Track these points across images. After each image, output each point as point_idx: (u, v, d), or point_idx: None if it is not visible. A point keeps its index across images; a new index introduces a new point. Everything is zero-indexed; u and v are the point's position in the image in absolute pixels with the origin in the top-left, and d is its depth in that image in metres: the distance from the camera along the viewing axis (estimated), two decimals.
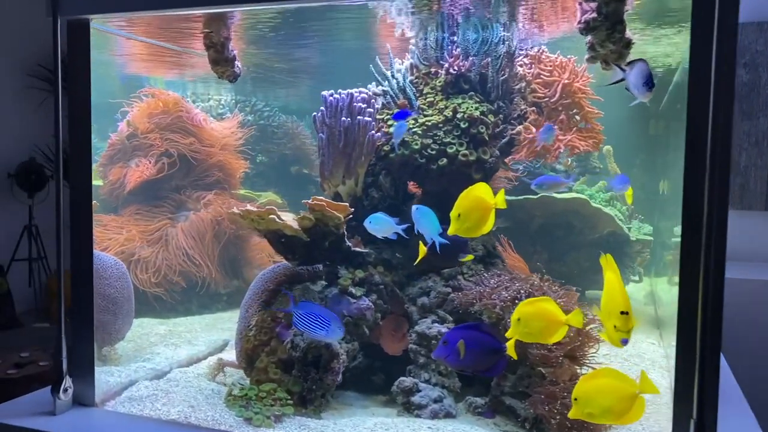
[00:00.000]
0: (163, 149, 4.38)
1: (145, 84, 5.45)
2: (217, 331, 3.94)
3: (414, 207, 2.54)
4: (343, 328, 2.37)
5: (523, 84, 2.74)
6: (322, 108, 2.78)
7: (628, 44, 2.20)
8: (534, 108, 2.77)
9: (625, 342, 1.76)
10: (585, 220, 4.75)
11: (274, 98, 6.64)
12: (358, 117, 2.69)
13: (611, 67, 2.20)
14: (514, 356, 2.16)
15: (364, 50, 3.40)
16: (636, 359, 3.26)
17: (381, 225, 2.51)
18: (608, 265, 1.83)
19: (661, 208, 5.62)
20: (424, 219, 2.48)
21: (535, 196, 4.39)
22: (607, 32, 2.13)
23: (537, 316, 2.04)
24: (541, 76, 2.75)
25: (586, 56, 2.22)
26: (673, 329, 1.85)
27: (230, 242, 4.61)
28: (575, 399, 1.84)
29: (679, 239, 1.74)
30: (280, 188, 6.31)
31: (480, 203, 2.06)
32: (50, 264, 5.68)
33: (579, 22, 2.14)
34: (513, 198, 4.44)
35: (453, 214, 2.07)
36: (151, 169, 4.30)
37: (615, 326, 1.74)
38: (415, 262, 2.34)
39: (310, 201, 2.54)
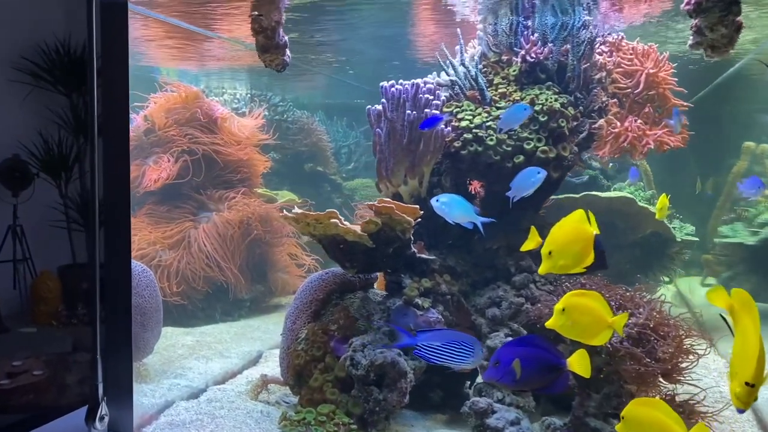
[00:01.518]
0: (185, 146, 4.08)
1: (157, 75, 5.15)
2: (248, 340, 3.67)
3: (434, 199, 2.27)
4: (481, 348, 2.04)
5: (603, 73, 2.49)
6: (383, 100, 2.51)
7: (739, 28, 1.96)
8: (615, 100, 2.52)
9: (741, 411, 1.50)
10: (628, 220, 4.51)
11: (291, 91, 6.37)
12: (425, 110, 2.42)
13: (720, 53, 1.96)
14: (583, 372, 1.88)
15: (410, 37, 3.14)
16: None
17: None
18: (744, 308, 1.44)
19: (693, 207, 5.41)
20: (454, 206, 2.22)
21: (577, 195, 4.16)
22: (720, 14, 1.89)
23: (583, 310, 1.82)
24: (622, 65, 2.50)
25: (690, 42, 1.97)
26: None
27: (254, 245, 4.33)
28: (623, 417, 1.66)
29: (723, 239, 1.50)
30: (293, 186, 6.04)
31: (577, 234, 1.80)
32: (36, 266, 5.35)
33: (687, 3, 1.89)
34: (555, 197, 4.20)
35: (543, 251, 1.81)
36: (173, 168, 4.00)
37: (736, 393, 1.47)
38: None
39: (376, 203, 2.28)
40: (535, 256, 2.64)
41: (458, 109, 2.48)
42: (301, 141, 6.32)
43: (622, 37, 2.57)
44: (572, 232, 1.83)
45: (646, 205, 4.40)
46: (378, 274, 2.72)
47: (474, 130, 2.40)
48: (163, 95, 4.29)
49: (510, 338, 2.47)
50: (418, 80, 2.49)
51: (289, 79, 5.83)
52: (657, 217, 2.36)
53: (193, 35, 4.11)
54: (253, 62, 5.33)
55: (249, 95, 5.75)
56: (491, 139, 2.38)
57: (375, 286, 2.94)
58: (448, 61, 2.57)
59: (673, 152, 5.21)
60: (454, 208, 2.21)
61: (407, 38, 4.23)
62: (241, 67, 5.48)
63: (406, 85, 2.48)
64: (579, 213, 1.85)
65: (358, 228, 2.30)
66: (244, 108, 5.49)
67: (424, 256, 2.49)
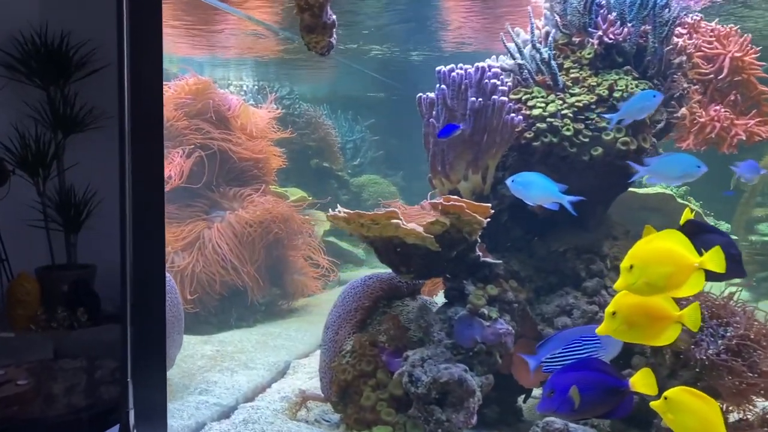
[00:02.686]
0: (198, 141, 3.79)
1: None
2: (271, 349, 3.40)
3: (509, 180, 2.03)
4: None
5: (683, 58, 2.25)
6: (441, 87, 2.25)
7: None
8: (696, 86, 2.29)
9: None
10: (666, 218, 4.29)
11: (297, 82, 6.08)
12: (493, 97, 2.17)
13: None
14: (648, 391, 1.65)
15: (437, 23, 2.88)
16: None
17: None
18: None
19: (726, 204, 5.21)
20: (534, 186, 1.98)
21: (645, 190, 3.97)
22: None
23: (638, 311, 1.62)
24: (702, 48, 2.26)
25: None
26: None
27: (271, 246, 4.04)
28: (665, 397, 1.58)
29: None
30: (298, 183, 5.77)
31: (671, 258, 1.55)
32: (12, 267, 5.06)
33: None
34: None
35: (624, 264, 1.57)
36: (185, 165, 3.71)
37: None
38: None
39: (442, 201, 2.02)
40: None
41: (528, 96, 2.23)
42: (309, 136, 6.05)
43: (701, 18, 2.34)
44: (665, 254, 1.58)
45: (685, 202, 4.20)
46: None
47: (548, 119, 2.16)
48: (173, 85, 3.99)
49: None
50: (482, 64, 2.23)
51: (300, 68, 5.54)
52: None
53: (202, 17, 3.84)
54: (260, 51, 5.06)
55: (256, 87, 5.45)
56: (568, 129, 2.13)
57: (421, 292, 2.70)
58: (513, 43, 2.31)
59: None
60: (534, 188, 1.96)
61: (434, 24, 3.99)
62: (248, 57, 5.19)
63: (469, 70, 2.23)
64: (675, 233, 1.61)
65: (421, 229, 2.04)
66: (252, 101, 5.20)
67: (489, 259, 2.24)
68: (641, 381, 1.65)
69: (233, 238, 3.81)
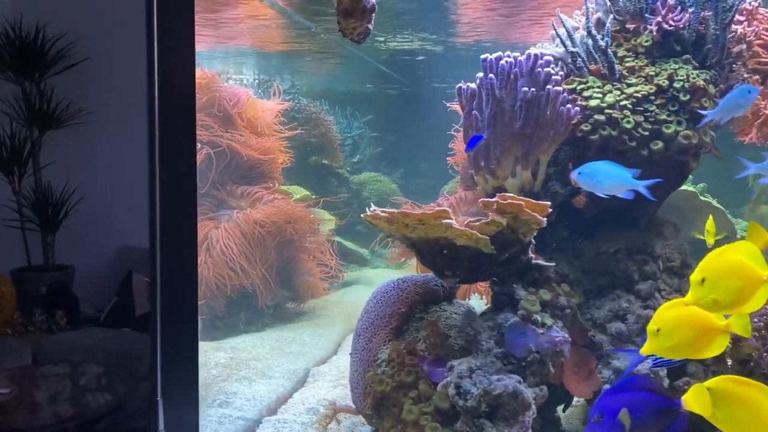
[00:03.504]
0: (204, 138, 3.59)
1: None
2: (288, 356, 3.22)
3: (574, 172, 1.90)
4: None
5: (743, 46, 2.12)
6: (489, 76, 2.09)
7: None
8: (757, 77, 2.16)
9: None
10: (683, 216, 4.17)
11: (298, 76, 5.87)
12: (547, 87, 2.01)
13: None
14: (703, 411, 1.51)
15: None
16: None
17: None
18: None
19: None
20: (604, 175, 1.85)
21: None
22: None
23: (683, 324, 1.52)
24: (762, 36, 2.14)
25: None
26: None
27: (282, 246, 3.86)
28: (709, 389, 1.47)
29: None
30: (298, 181, 5.58)
31: (742, 272, 1.43)
32: None
33: None
34: None
35: (695, 278, 1.44)
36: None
37: None
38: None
39: (498, 199, 1.86)
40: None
41: (582, 86, 2.08)
42: (310, 132, 5.85)
43: (759, 4, 2.21)
44: (737, 267, 1.46)
45: (708, 200, 4.08)
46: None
47: (607, 111, 2.01)
48: None
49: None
50: (534, 51, 2.08)
51: (302, 60, 5.34)
52: (709, 243, 2.01)
53: (206, 5, 3.64)
54: (262, 42, 4.86)
55: (257, 80, 5.25)
56: (628, 122, 1.98)
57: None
58: (563, 30, 2.16)
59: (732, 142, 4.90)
60: (604, 178, 1.82)
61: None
62: (249, 48, 4.99)
63: (519, 58, 2.07)
64: (745, 244, 1.49)
65: (475, 230, 1.88)
66: (254, 95, 5.00)
67: (540, 262, 2.09)
68: (695, 399, 1.51)
69: (242, 239, 3.63)
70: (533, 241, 2.05)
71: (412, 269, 4.06)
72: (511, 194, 1.90)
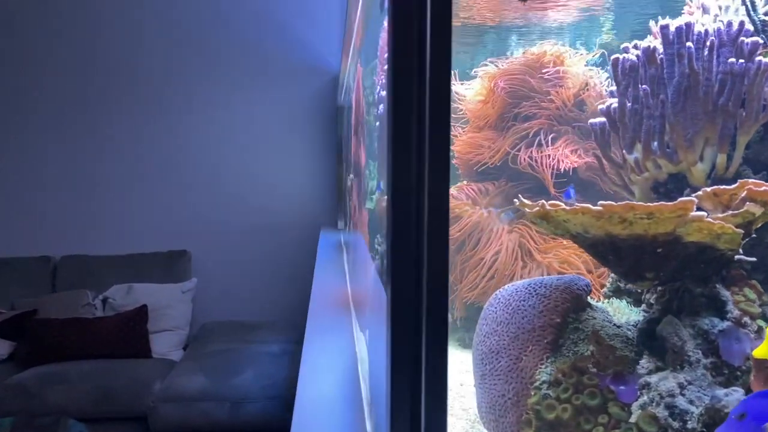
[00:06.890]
0: None
1: None
2: None
3: None
4: None
5: None
6: (688, 44, 1.81)
7: None
8: None
9: None
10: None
11: None
12: (756, 58, 1.77)
13: None
14: None
15: None
16: None
17: None
18: None
19: None
20: None
21: None
22: None
23: None
24: None
25: None
26: None
27: None
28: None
29: None
30: None
31: None
32: None
33: None
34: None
35: None
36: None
37: None
38: None
39: (751, 186, 1.59)
40: None
41: None
42: None
43: None
44: None
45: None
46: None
47: None
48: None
49: None
50: (734, 18, 1.83)
51: None
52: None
53: None
54: None
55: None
56: None
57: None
58: None
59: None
60: None
61: None
62: None
63: (718, 26, 1.81)
64: None
65: (729, 224, 1.59)
66: None
67: (743, 257, 1.85)
68: None
69: None
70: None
71: None
72: (761, 181, 1.63)
